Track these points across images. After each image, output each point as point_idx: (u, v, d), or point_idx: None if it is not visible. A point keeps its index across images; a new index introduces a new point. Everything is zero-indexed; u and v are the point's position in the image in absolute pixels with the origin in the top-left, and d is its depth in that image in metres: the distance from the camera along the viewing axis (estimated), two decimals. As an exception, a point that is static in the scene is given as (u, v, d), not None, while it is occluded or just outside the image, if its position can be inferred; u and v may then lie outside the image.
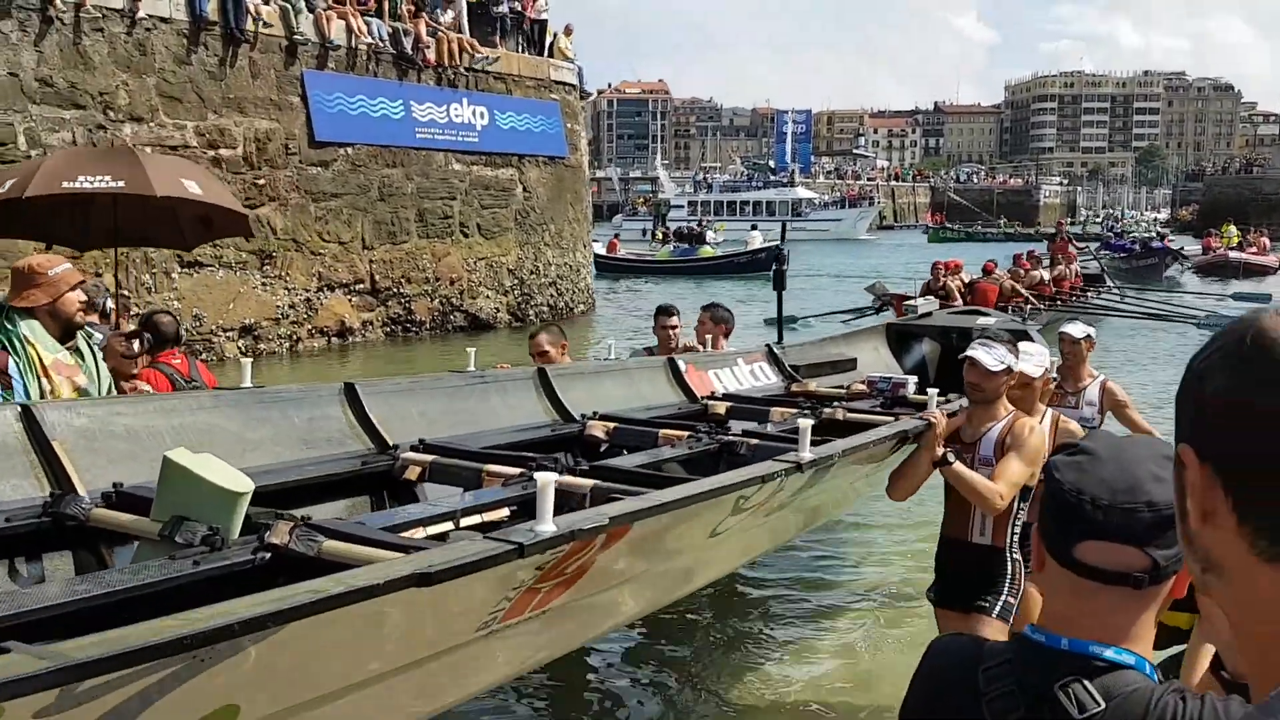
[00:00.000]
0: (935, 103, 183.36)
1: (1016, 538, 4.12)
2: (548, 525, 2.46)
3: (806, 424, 3.58)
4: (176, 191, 7.20)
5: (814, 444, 3.76)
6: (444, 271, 18.07)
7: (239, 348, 14.88)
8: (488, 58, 18.80)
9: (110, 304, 7.26)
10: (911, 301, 15.78)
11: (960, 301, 15.51)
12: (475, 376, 4.79)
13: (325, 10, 16.26)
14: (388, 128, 17.08)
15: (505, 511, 3.33)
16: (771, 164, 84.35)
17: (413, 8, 18.14)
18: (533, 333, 6.20)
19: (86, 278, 7.29)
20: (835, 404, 5.43)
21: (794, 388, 6.28)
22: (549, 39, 21.83)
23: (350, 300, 16.56)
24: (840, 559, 7.11)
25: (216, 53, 14.60)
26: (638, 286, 30.78)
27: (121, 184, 6.99)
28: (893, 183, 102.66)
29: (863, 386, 6.02)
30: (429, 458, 3.81)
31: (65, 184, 6.99)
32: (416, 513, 3.22)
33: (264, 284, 15.27)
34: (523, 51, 20.66)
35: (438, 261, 17.97)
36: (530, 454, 3.83)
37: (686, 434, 4.38)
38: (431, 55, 17.89)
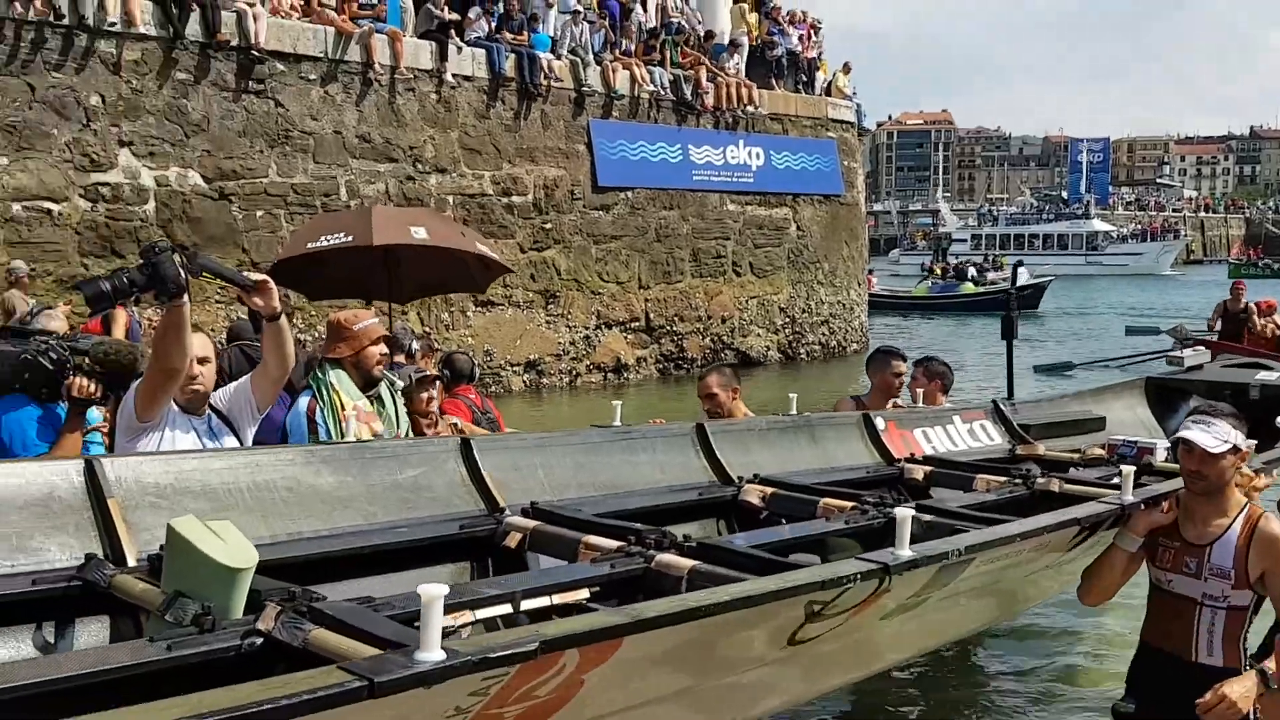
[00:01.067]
0: (1251, 127, 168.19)
1: (1250, 654, 3.48)
2: (430, 654, 1.96)
3: (905, 515, 2.93)
4: (400, 239, 7.70)
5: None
6: (716, 310, 18.45)
7: (524, 382, 15.81)
8: (758, 105, 19.11)
9: (416, 344, 7.95)
10: (1178, 353, 14.34)
11: (1274, 347, 14.11)
12: (618, 433, 4.36)
13: (611, 62, 17.10)
14: (666, 171, 17.70)
15: (584, 593, 2.87)
16: (1064, 195, 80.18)
17: (695, 55, 18.74)
18: (701, 374, 5.56)
19: (397, 319, 8.08)
20: (1050, 474, 4.59)
21: (1019, 450, 5.53)
22: (827, 77, 21.93)
23: (626, 338, 17.22)
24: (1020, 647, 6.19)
25: (512, 106, 15.67)
26: (903, 324, 30.08)
27: (351, 239, 7.58)
28: (1201, 214, 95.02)
29: (1101, 451, 5.22)
30: (532, 524, 3.44)
31: (309, 244, 7.72)
32: (470, 593, 2.72)
33: (548, 322, 16.16)
34: (799, 91, 20.84)
35: (710, 300, 18.37)
36: (637, 525, 3.33)
37: (850, 505, 3.81)
38: (710, 100, 18.40)
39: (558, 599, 2.82)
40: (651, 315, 17.51)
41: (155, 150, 12.20)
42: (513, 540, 3.39)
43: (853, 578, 2.73)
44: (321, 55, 13.59)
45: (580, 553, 3.16)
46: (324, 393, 4.77)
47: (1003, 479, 4.49)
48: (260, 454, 3.45)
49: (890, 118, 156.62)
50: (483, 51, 15.38)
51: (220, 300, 12.29)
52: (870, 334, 22.39)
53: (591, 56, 16.92)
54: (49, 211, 11.47)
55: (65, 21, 11.48)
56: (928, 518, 3.60)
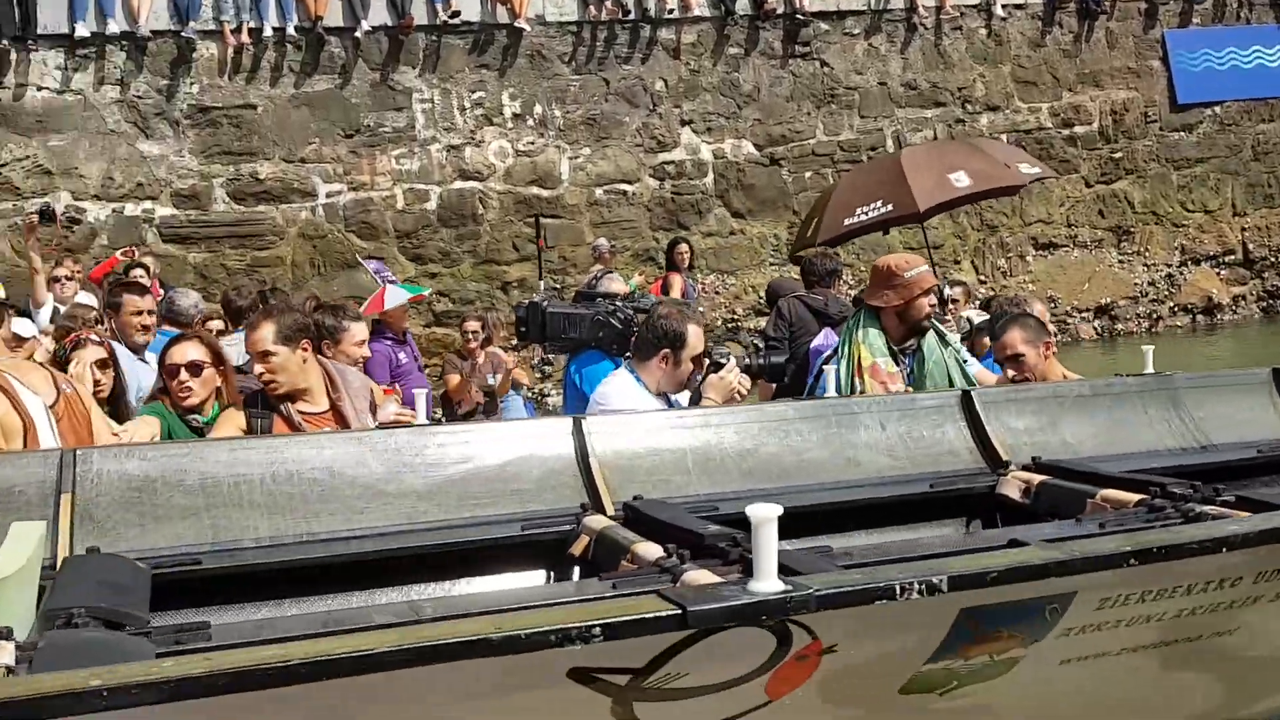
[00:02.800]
0: None
1: None
2: None
3: (763, 516, 1.83)
4: (944, 195, 6.98)
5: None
6: (1339, 235, 15.53)
7: (1095, 329, 14.57)
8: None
9: (954, 290, 7.58)
10: None
11: None
12: (828, 405, 3.41)
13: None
14: (1264, 78, 15.18)
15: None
16: None
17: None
18: (1002, 324, 4.44)
19: (950, 272, 7.73)
20: None
21: None
22: None
23: (1218, 273, 15.12)
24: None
25: (1071, 29, 14.41)
26: None
27: (890, 208, 6.98)
28: None
29: None
30: (603, 524, 2.70)
31: (847, 221, 7.19)
32: (360, 619, 2.12)
33: (1121, 261, 14.70)
34: None
35: (1330, 224, 15.50)
36: (713, 529, 2.50)
37: (1137, 498, 2.72)
38: (1324, -16, 15.46)
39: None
40: (1250, 246, 15.18)
41: (712, 125, 12.98)
42: (578, 546, 2.71)
43: (581, 633, 1.69)
44: (864, 8, 13.51)
45: (621, 566, 2.48)
46: (845, 345, 4.63)
47: None
48: (291, 441, 2.99)
49: None
50: (1036, -25, 14.30)
51: (774, 262, 12.85)
52: None
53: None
54: (624, 192, 12.71)
55: (631, 17, 12.60)
56: (1241, 520, 2.34)
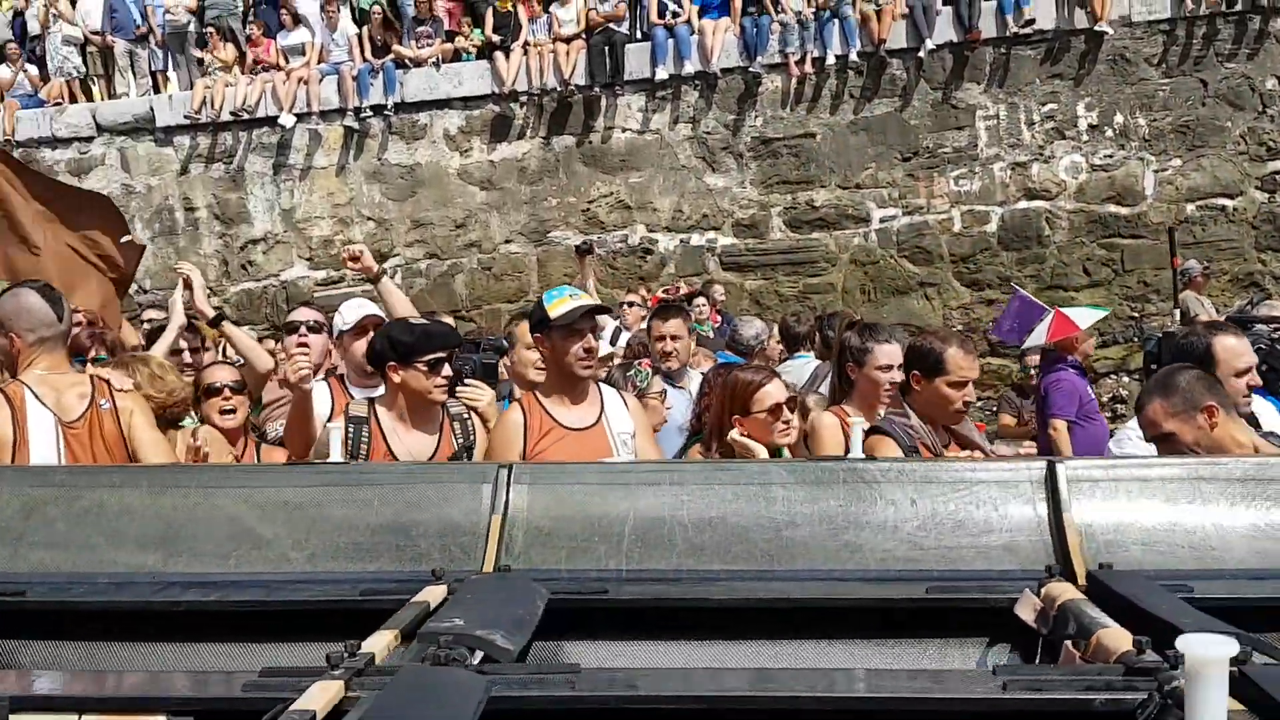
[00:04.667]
0: None
1: None
2: None
3: None
4: None
5: None
6: None
7: None
8: None
9: None
10: None
11: None
12: (847, 469, 2.52)
13: None
14: None
15: None
16: None
17: None
18: (1143, 390, 3.60)
19: None
20: None
21: None
22: None
23: None
24: None
25: None
26: None
27: None
28: None
29: None
30: (426, 599, 2.18)
31: None
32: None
33: None
34: None
35: None
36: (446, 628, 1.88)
37: (1124, 649, 1.66)
38: None
39: None
40: None
41: (1342, 125, 10.86)
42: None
43: None
44: None
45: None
46: None
47: None
48: (188, 472, 2.84)
49: None
50: None
51: None
52: None
53: None
54: (1223, 208, 11.03)
55: (1237, 8, 10.93)
56: None
